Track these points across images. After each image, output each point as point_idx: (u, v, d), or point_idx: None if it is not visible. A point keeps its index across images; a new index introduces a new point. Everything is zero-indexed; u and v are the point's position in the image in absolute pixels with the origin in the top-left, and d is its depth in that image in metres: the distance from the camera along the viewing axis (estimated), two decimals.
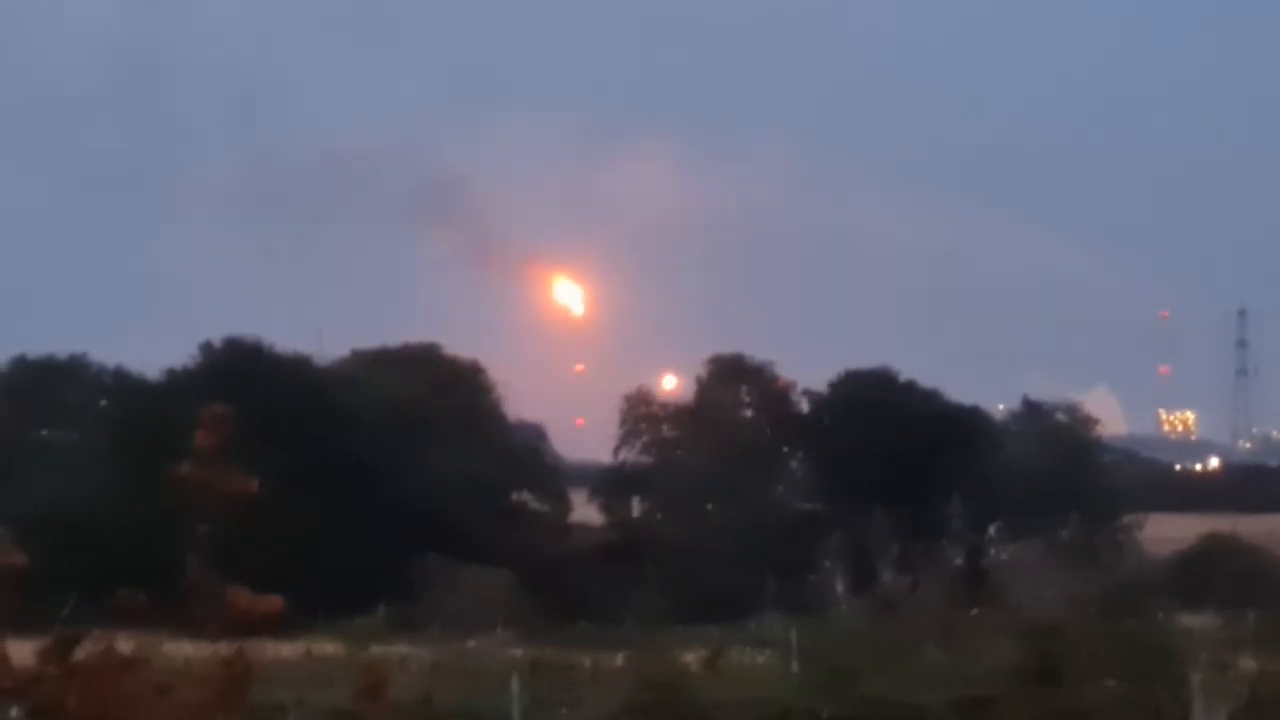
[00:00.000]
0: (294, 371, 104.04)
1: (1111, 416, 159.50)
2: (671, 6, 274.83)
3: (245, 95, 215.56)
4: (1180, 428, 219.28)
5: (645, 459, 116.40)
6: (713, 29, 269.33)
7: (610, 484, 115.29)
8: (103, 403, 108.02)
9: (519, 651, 59.36)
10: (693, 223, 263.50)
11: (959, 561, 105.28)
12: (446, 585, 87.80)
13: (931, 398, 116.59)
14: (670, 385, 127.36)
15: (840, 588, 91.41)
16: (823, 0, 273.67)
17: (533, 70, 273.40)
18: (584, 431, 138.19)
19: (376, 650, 55.72)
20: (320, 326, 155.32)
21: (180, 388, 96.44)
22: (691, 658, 52.52)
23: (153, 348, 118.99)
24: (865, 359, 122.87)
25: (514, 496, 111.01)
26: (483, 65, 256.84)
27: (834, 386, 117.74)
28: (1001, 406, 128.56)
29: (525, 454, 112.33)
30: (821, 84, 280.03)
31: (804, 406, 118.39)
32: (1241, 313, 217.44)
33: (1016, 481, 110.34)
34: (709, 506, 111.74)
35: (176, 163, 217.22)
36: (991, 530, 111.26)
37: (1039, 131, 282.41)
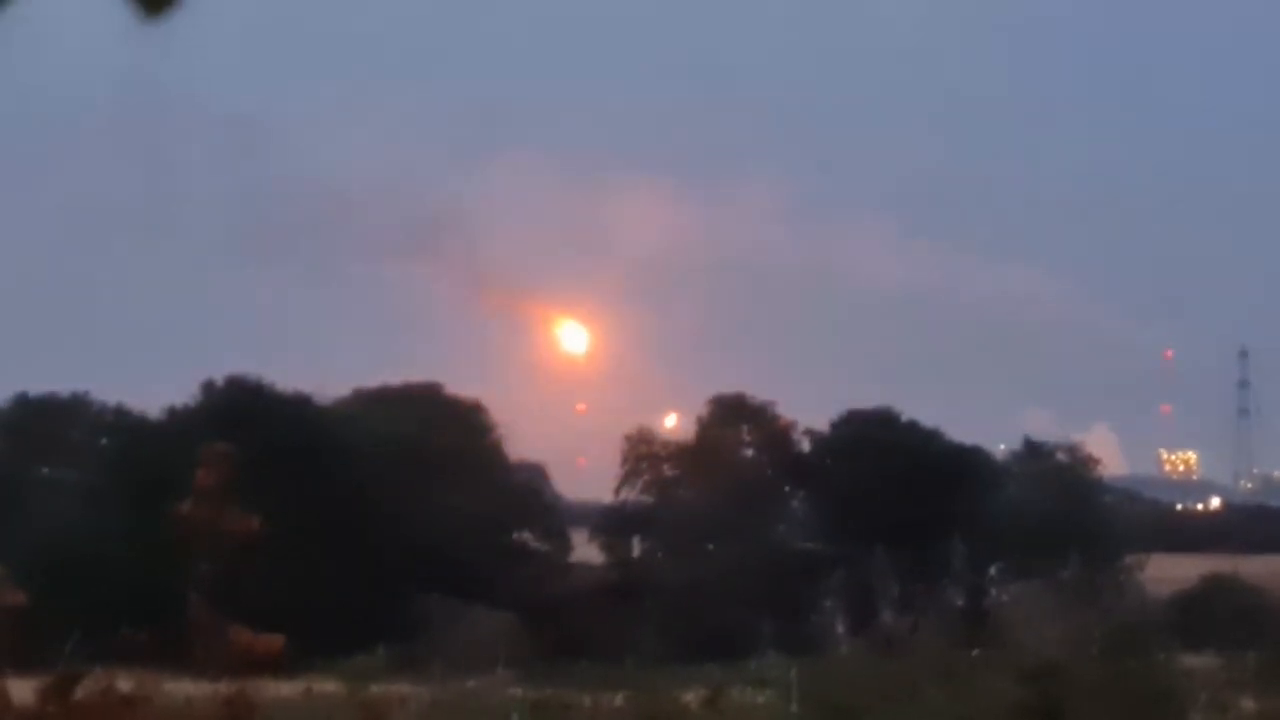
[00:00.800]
0: (295, 410, 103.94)
1: (1112, 456, 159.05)
2: (665, 44, 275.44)
3: (243, 132, 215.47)
4: (1181, 468, 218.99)
5: (646, 498, 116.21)
6: (706, 68, 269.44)
7: (611, 523, 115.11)
8: (104, 441, 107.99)
9: (519, 691, 59.23)
10: (692, 260, 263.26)
11: (960, 601, 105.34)
12: (447, 624, 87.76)
13: (933, 438, 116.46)
14: (671, 424, 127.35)
15: (841, 627, 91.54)
16: (815, 38, 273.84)
17: (529, 107, 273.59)
18: (585, 471, 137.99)
19: (376, 689, 55.59)
20: (321, 365, 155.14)
21: (181, 426, 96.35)
22: (691, 697, 52.43)
23: (154, 386, 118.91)
24: (866, 398, 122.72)
25: (514, 536, 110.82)
26: (479, 103, 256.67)
27: (835, 426, 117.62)
28: (1002, 446, 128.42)
29: (526, 493, 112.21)
30: (816, 118, 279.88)
31: (805, 446, 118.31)
32: (1243, 353, 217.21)
33: (1017, 522, 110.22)
34: (710, 546, 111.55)
35: (175, 199, 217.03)
36: (992, 570, 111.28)
37: (1038, 167, 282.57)
